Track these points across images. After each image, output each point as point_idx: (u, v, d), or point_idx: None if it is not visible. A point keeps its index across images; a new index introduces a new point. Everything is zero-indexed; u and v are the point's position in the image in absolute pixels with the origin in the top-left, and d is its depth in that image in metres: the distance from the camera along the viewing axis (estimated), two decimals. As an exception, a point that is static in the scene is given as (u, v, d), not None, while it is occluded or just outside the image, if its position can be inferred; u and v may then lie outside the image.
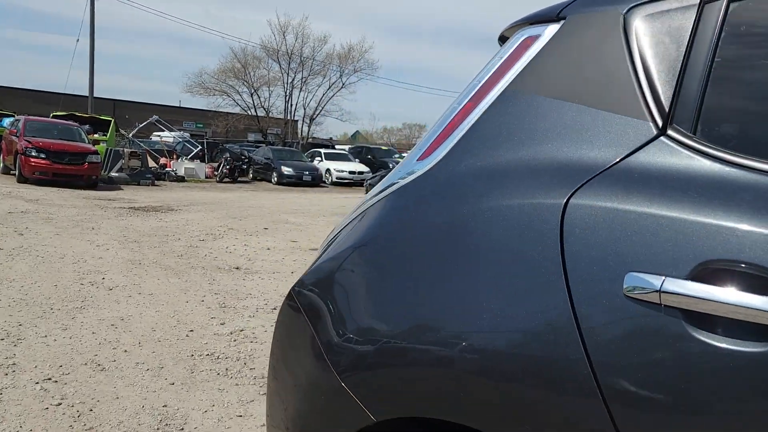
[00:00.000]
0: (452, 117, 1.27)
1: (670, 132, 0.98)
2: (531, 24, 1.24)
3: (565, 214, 0.97)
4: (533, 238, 1.00)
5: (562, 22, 1.17)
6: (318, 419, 1.27)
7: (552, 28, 1.18)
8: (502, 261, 1.03)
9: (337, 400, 1.18)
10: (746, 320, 0.79)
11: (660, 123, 0.99)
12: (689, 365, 0.83)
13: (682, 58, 1.00)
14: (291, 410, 1.34)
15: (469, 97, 1.25)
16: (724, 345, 0.81)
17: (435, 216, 1.18)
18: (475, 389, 1.01)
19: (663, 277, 0.85)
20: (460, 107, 1.26)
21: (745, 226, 0.84)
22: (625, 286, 0.88)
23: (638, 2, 1.08)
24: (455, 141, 1.22)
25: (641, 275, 0.87)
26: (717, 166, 0.92)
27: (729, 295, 0.81)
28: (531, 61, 1.18)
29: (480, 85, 1.25)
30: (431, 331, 1.09)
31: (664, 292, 0.84)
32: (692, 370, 0.83)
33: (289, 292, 1.41)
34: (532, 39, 1.21)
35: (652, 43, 1.04)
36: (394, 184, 1.30)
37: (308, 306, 1.35)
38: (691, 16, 1.01)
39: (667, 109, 0.99)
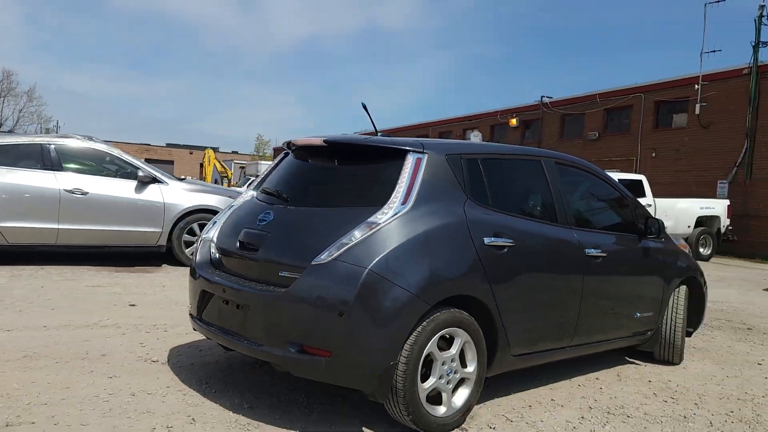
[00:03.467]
0: (410, 180, 3.17)
1: (468, 197, 3.34)
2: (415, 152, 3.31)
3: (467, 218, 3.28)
4: (460, 229, 3.21)
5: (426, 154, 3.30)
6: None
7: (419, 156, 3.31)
8: (449, 242, 3.18)
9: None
10: None
11: (468, 196, 3.38)
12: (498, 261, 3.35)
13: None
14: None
15: (410, 175, 3.20)
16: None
17: (419, 227, 3.09)
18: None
19: (493, 238, 3.37)
20: (410, 178, 3.18)
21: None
22: (486, 242, 3.24)
23: (454, 153, 3.46)
24: (415, 195, 3.13)
25: (491, 239, 3.31)
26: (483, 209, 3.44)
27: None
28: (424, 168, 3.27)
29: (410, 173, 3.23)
30: (426, 269, 3.04)
31: (488, 245, 3.31)
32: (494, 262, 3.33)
33: (369, 269, 2.89)
34: (420, 160, 3.27)
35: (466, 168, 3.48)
36: (399, 212, 3.07)
37: (384, 272, 2.93)
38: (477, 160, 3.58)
39: (467, 192, 3.38)
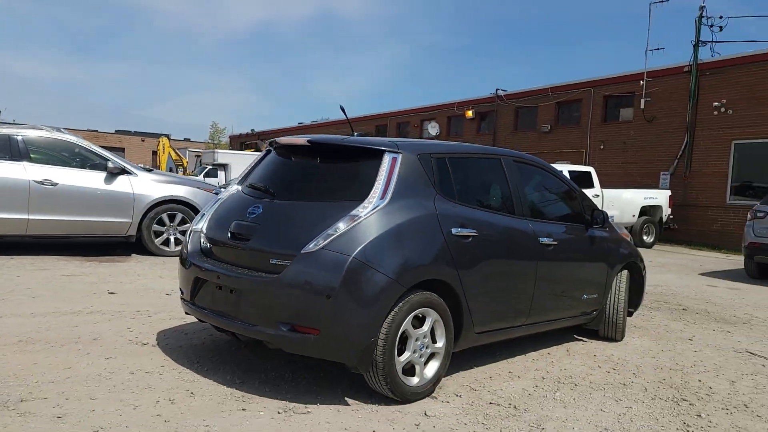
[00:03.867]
0: (387, 177, 3.59)
1: (438, 192, 3.79)
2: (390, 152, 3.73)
3: (437, 211, 3.72)
4: (431, 221, 3.68)
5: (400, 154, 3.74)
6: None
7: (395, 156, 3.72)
8: (422, 232, 3.63)
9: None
10: None
11: (437, 191, 3.81)
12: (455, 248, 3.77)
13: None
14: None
15: (387, 173, 3.61)
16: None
17: (395, 220, 3.52)
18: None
19: (459, 228, 3.80)
20: (387, 175, 3.60)
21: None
22: (454, 232, 3.68)
23: (424, 152, 3.89)
24: (391, 191, 3.55)
25: (457, 229, 3.73)
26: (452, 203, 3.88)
27: None
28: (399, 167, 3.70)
29: (387, 171, 3.65)
30: (402, 256, 3.48)
31: (455, 235, 3.78)
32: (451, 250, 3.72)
33: (353, 257, 3.29)
34: (395, 159, 3.69)
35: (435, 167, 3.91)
36: (377, 207, 3.47)
37: (366, 258, 3.33)
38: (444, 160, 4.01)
39: (437, 187, 3.82)
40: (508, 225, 4.23)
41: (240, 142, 48.89)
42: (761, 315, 7.19)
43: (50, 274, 6.82)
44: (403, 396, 3.51)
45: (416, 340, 3.58)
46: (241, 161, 31.22)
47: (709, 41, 18.25)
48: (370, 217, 3.40)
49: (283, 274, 3.35)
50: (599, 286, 5.16)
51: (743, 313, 7.23)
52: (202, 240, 4.02)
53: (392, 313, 3.38)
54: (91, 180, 8.17)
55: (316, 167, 3.91)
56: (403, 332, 3.49)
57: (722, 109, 17.48)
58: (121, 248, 9.11)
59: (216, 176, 31.50)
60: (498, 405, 3.69)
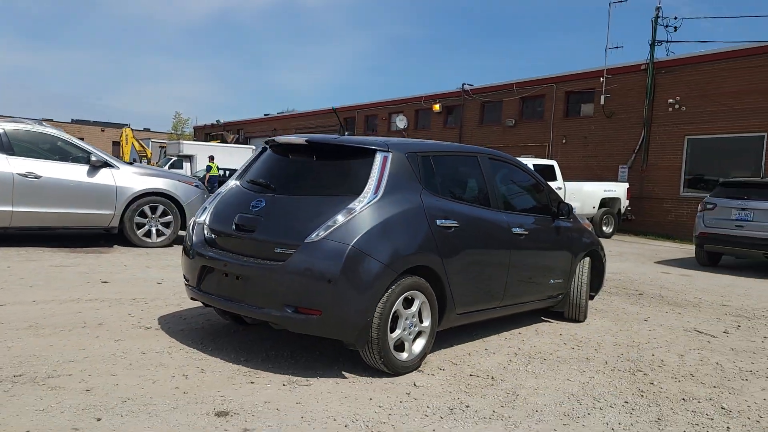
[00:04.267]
0: (380, 174, 4.00)
1: (423, 187, 4.22)
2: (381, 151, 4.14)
3: (423, 205, 4.15)
4: (418, 214, 4.10)
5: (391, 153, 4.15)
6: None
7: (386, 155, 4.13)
8: (411, 224, 4.06)
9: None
10: None
11: (423, 186, 4.24)
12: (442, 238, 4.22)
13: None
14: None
15: (379, 171, 4.03)
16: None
17: (387, 213, 3.94)
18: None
19: (443, 220, 4.23)
20: (380, 173, 4.01)
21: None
22: (438, 223, 4.09)
23: (411, 151, 4.33)
24: (383, 186, 3.96)
25: (441, 220, 4.16)
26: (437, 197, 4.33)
27: None
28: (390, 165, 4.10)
29: (379, 168, 4.05)
30: (394, 245, 3.91)
31: (440, 226, 4.18)
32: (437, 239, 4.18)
33: (352, 246, 3.69)
34: (386, 158, 4.09)
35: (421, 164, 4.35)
36: (371, 201, 3.89)
37: (363, 247, 3.74)
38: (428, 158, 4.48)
39: (423, 183, 4.27)
40: (485, 217, 4.68)
41: (205, 133, 48.47)
42: (709, 299, 7.85)
43: (39, 265, 7.02)
44: (395, 369, 3.93)
45: (406, 319, 4.00)
46: (206, 152, 31.19)
47: (664, 41, 19.12)
48: (365, 211, 3.80)
49: (288, 261, 3.72)
50: (564, 272, 5.67)
51: (693, 297, 7.88)
52: (205, 231, 4.35)
53: (386, 295, 3.79)
54: (75, 173, 8.34)
55: (313, 165, 4.29)
56: (395, 312, 3.91)
57: (676, 106, 18.38)
58: (103, 240, 9.29)
59: (181, 167, 31.36)
60: (477, 376, 4.15)
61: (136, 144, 37.12)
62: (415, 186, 4.16)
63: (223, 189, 4.65)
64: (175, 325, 4.88)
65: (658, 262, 11.80)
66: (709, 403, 3.92)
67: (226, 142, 40.54)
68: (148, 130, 69.11)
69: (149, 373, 3.75)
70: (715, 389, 4.20)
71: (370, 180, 3.93)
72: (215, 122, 47.49)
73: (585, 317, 5.98)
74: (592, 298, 6.33)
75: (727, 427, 3.52)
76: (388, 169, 4.01)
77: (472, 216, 4.52)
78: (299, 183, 4.24)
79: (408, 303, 4.03)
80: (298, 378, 3.85)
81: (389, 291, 3.82)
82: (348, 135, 4.92)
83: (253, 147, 34.55)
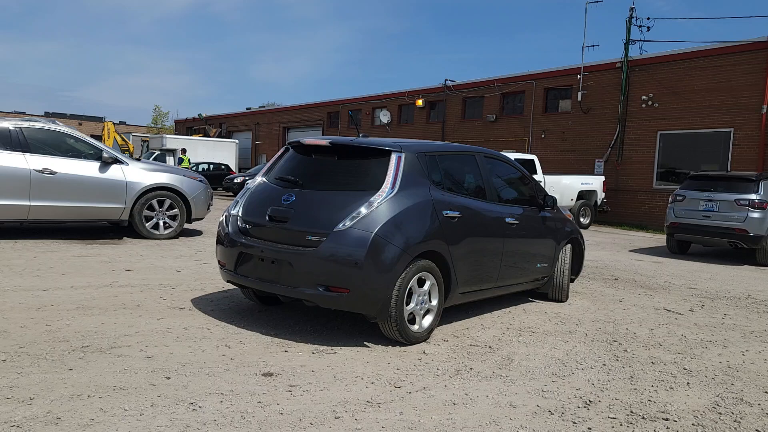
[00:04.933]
0: (395, 172, 4.64)
1: (431, 183, 4.83)
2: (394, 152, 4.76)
3: (432, 198, 4.77)
4: (428, 206, 4.71)
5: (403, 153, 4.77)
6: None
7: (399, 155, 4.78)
8: (422, 215, 4.69)
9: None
10: None
11: (431, 182, 4.89)
12: (449, 226, 4.90)
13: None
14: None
15: (394, 169, 4.66)
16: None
17: (403, 205, 4.57)
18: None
19: (448, 211, 4.87)
20: (395, 171, 4.64)
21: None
22: (444, 214, 4.72)
23: (420, 151, 4.97)
24: (399, 182, 4.61)
25: (447, 212, 4.76)
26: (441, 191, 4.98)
27: None
28: (403, 163, 4.75)
29: (395, 167, 4.68)
30: (409, 233, 4.51)
31: (446, 216, 4.83)
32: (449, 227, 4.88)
33: (375, 234, 4.33)
34: (400, 157, 4.73)
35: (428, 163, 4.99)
36: (389, 195, 4.53)
37: (384, 235, 4.37)
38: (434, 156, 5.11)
39: (430, 179, 4.90)
40: (483, 208, 5.33)
41: (186, 127, 48.54)
42: (678, 282, 8.63)
43: (62, 255, 7.51)
44: (408, 338, 4.57)
45: (418, 296, 4.65)
46: (191, 146, 31.47)
47: (638, 40, 19.99)
48: (384, 203, 4.42)
49: (319, 247, 4.34)
50: (549, 258, 6.35)
51: (663, 281, 8.65)
52: (239, 222, 4.94)
53: (402, 275, 4.42)
54: (87, 169, 8.81)
55: (335, 164, 4.89)
56: (409, 289, 4.55)
57: (649, 102, 19.26)
58: (113, 232, 9.78)
59: (164, 161, 31.63)
60: (477, 346, 4.81)
61: (118, 138, 37.11)
62: (424, 182, 4.79)
63: (252, 184, 5.23)
64: (205, 306, 5.46)
65: (632, 251, 12.61)
66: (673, 365, 4.62)
67: (209, 136, 40.79)
68: (124, 123, 68.63)
69: (196, 344, 4.34)
70: (679, 355, 4.91)
71: (387, 177, 4.56)
72: (197, 116, 47.58)
73: (567, 298, 6.69)
74: (572, 280, 7.04)
75: (687, 383, 4.23)
76: (402, 167, 4.64)
77: (472, 207, 5.17)
78: (324, 179, 4.84)
79: (420, 283, 4.67)
80: (324, 347, 4.47)
81: (405, 272, 4.45)
82: (362, 137, 5.49)
83: (236, 141, 34.86)
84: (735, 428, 3.45)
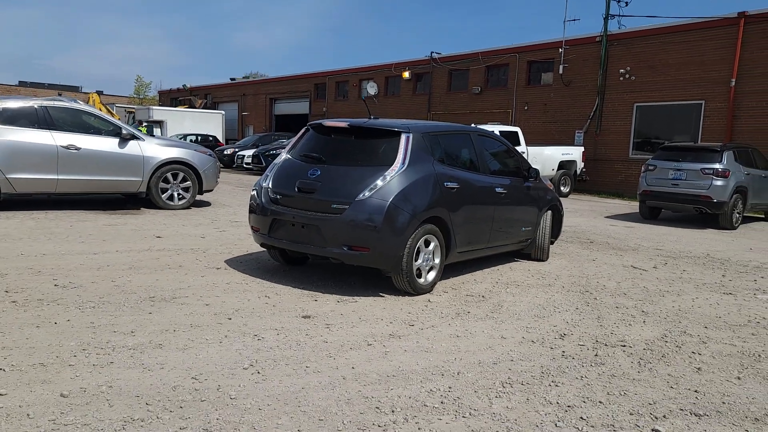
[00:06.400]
0: (405, 150, 5.51)
1: (434, 159, 5.76)
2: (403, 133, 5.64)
3: (435, 172, 5.68)
4: (431, 178, 5.57)
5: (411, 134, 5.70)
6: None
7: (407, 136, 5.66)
8: (427, 186, 5.57)
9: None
10: None
11: (434, 158, 5.79)
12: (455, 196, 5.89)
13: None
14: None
15: (404, 147, 5.53)
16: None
17: (412, 178, 5.47)
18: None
19: (448, 182, 5.76)
20: (405, 149, 5.51)
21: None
22: (445, 185, 5.63)
23: (424, 131, 5.89)
24: (408, 159, 5.48)
25: (447, 183, 5.71)
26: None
27: None
28: (411, 142, 5.63)
29: (405, 145, 5.53)
30: (417, 201, 5.39)
31: (447, 187, 5.78)
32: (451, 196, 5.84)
33: (390, 202, 5.19)
34: (408, 137, 5.59)
35: (433, 142, 5.91)
36: (400, 170, 5.42)
37: (397, 203, 5.19)
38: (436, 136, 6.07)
39: (433, 155, 5.80)
40: (476, 180, 6.23)
41: (171, 98, 48.58)
42: (646, 244, 9.66)
43: (94, 225, 8.31)
44: (416, 289, 5.50)
45: (425, 254, 5.56)
46: (177, 118, 31.84)
47: (617, 15, 20.83)
48: (396, 177, 5.29)
49: (344, 214, 5.21)
50: (532, 223, 7.30)
51: (633, 243, 9.68)
52: (270, 193, 5.78)
53: (412, 236, 5.33)
54: (108, 144, 9.54)
55: (353, 143, 5.74)
56: (418, 248, 5.46)
57: (627, 76, 20.19)
58: (130, 203, 10.55)
59: (152, 133, 32.04)
60: (472, 296, 5.76)
61: (104, 109, 37.36)
62: (428, 158, 5.66)
63: (278, 160, 6.06)
64: (238, 266, 6.33)
65: (608, 217, 13.66)
66: (634, 309, 5.61)
67: (195, 107, 41.07)
68: (101, 93, 68.08)
69: (241, 296, 5.23)
70: (640, 301, 5.91)
71: (398, 154, 5.42)
72: (182, 87, 47.63)
73: (547, 257, 7.66)
74: (552, 243, 8.01)
75: (644, 321, 5.22)
76: (410, 146, 5.50)
77: (468, 179, 6.06)
78: (344, 156, 5.69)
79: (426, 243, 5.58)
80: (346, 297, 5.38)
81: (414, 234, 5.35)
82: (373, 119, 6.25)
83: (222, 112, 35.21)
84: (676, 351, 4.45)
